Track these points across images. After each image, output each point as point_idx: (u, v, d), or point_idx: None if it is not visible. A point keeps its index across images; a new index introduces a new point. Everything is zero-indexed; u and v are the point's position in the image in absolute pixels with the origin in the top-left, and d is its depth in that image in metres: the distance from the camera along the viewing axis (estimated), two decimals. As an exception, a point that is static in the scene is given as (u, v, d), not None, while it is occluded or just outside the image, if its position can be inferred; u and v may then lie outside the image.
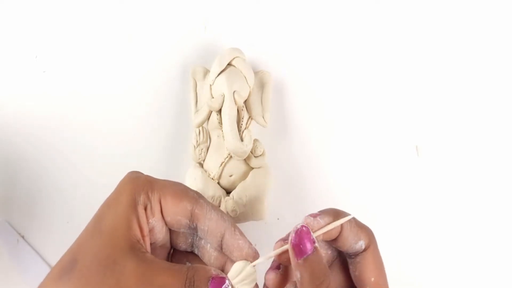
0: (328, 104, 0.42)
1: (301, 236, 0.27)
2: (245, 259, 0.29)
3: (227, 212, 0.37)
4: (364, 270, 0.29)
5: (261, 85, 0.40)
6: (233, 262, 0.29)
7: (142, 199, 0.28)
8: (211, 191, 0.38)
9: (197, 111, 0.40)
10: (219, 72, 0.38)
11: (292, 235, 0.27)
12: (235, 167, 0.38)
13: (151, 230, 0.29)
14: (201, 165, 0.39)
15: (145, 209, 0.28)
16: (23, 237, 0.41)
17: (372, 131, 0.41)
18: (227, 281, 0.27)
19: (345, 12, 0.42)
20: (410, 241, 0.40)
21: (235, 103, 0.37)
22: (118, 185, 0.29)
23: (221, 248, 0.29)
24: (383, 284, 0.29)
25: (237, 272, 0.28)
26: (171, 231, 0.31)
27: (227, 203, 0.37)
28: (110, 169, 0.41)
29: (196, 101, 0.40)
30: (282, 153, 0.41)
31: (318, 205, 0.40)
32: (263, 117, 0.39)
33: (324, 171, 0.41)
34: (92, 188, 0.41)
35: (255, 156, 0.39)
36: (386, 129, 0.41)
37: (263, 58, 0.42)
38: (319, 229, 0.28)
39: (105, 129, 0.41)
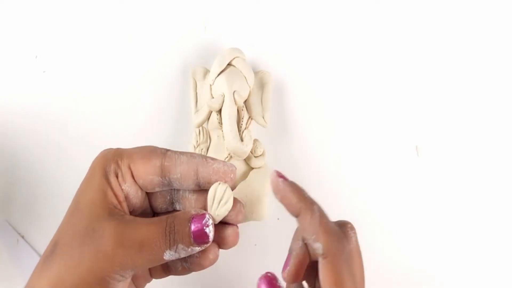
0: (328, 104, 0.42)
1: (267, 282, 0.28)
2: (223, 180, 0.28)
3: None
4: (322, 281, 0.27)
5: (261, 85, 0.40)
6: None
7: (112, 168, 0.28)
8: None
9: (197, 111, 0.40)
10: (219, 72, 0.38)
11: (258, 282, 0.28)
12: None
13: (126, 197, 0.28)
14: None
15: (117, 177, 0.28)
16: (23, 237, 0.41)
17: (372, 131, 0.41)
18: (207, 215, 0.27)
19: (345, 12, 0.42)
20: (410, 241, 0.40)
21: (235, 103, 0.37)
22: (91, 164, 0.29)
23: (199, 186, 0.29)
24: None
25: (212, 194, 0.28)
26: (148, 195, 0.30)
27: None
28: (110, 169, 0.41)
29: (196, 101, 0.40)
30: (282, 153, 0.41)
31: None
32: (263, 117, 0.39)
33: (324, 171, 0.41)
34: (92, 188, 0.41)
35: (255, 156, 0.39)
36: (386, 129, 0.41)
37: (263, 58, 0.42)
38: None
39: (105, 129, 0.41)
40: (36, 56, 0.43)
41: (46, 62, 0.43)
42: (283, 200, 0.28)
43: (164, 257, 0.26)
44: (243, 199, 0.37)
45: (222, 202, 0.28)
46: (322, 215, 0.28)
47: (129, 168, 0.28)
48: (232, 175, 0.29)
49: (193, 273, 0.30)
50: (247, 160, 0.39)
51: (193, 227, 0.27)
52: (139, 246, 0.26)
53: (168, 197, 0.30)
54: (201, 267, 0.29)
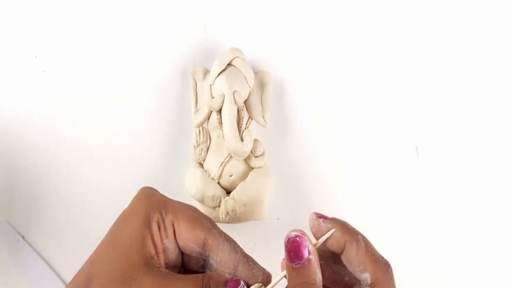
0: (328, 104, 0.41)
1: (295, 244, 0.27)
2: (261, 283, 0.28)
3: (227, 212, 0.37)
4: None
5: (261, 85, 0.40)
6: None
7: (156, 217, 0.28)
8: (211, 191, 0.38)
9: (197, 111, 0.40)
10: (219, 72, 0.38)
11: (287, 240, 0.27)
12: (235, 167, 0.38)
13: (164, 250, 0.29)
14: (201, 165, 0.39)
15: (159, 228, 0.28)
16: (23, 237, 0.41)
17: (372, 131, 0.41)
18: (242, 282, 0.27)
19: (345, 12, 0.42)
20: (410, 241, 0.40)
21: (235, 103, 0.37)
22: (132, 201, 0.29)
23: (234, 276, 0.29)
24: None
25: None
26: (183, 253, 0.30)
27: (227, 203, 0.37)
28: (110, 169, 0.41)
29: (196, 101, 0.40)
30: (282, 153, 0.41)
31: (318, 205, 0.40)
32: (263, 117, 0.39)
33: (324, 171, 0.41)
34: (92, 188, 0.41)
35: (255, 156, 0.39)
36: (386, 129, 0.41)
37: (263, 58, 0.42)
38: (321, 237, 0.27)
39: (105, 129, 0.41)
40: (36, 56, 0.43)
41: (46, 62, 0.43)
42: (326, 240, 0.28)
43: None
44: (243, 199, 0.38)
45: None
46: (368, 244, 0.28)
47: (173, 225, 0.29)
48: (268, 284, 0.29)
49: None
50: (247, 160, 0.39)
51: None
52: None
53: (202, 263, 0.31)
54: None
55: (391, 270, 0.28)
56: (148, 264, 0.27)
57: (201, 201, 0.38)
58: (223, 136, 0.37)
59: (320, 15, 0.42)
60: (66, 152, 0.41)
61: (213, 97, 0.38)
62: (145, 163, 0.41)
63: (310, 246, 0.27)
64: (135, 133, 0.41)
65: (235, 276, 0.28)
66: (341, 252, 0.28)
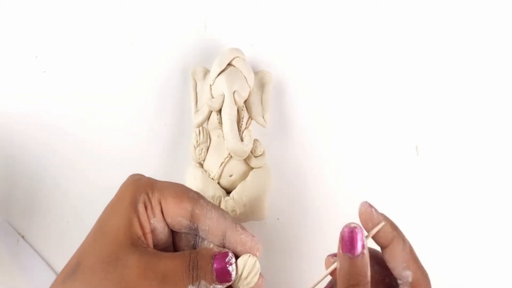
0: (328, 104, 0.41)
1: (352, 235, 0.27)
2: (249, 253, 0.29)
3: (227, 213, 0.38)
4: None
5: (261, 85, 0.40)
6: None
7: (142, 198, 0.28)
8: (211, 191, 0.38)
9: (197, 111, 0.40)
10: (219, 72, 0.38)
11: (345, 229, 0.27)
12: (235, 167, 0.38)
13: (153, 231, 0.29)
14: (201, 165, 0.39)
15: (146, 209, 0.28)
16: (23, 237, 0.41)
17: (372, 131, 0.41)
18: (230, 254, 0.27)
19: (345, 12, 0.42)
20: (409, 241, 0.40)
21: (235, 103, 0.37)
22: (120, 188, 0.29)
23: (224, 246, 0.29)
24: None
25: (241, 265, 0.28)
26: (173, 234, 0.31)
27: (227, 203, 0.37)
28: (110, 168, 0.41)
29: (196, 101, 0.40)
30: (282, 153, 0.41)
31: (318, 205, 0.41)
32: (263, 117, 0.39)
33: (324, 171, 0.41)
34: (92, 188, 0.41)
35: (255, 156, 0.39)
36: (386, 129, 0.41)
37: (263, 58, 0.42)
38: (373, 227, 0.28)
39: (105, 129, 0.41)
40: (36, 56, 0.43)
41: (46, 62, 0.43)
42: (374, 237, 0.28)
43: None
44: (243, 199, 0.38)
45: (252, 274, 0.28)
46: (411, 246, 0.29)
47: (160, 203, 0.29)
48: (257, 252, 0.29)
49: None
50: (247, 160, 0.39)
51: (216, 265, 0.27)
52: (162, 278, 0.26)
53: (192, 242, 0.31)
54: None
55: (429, 279, 0.28)
56: (135, 244, 0.27)
57: None
58: (223, 136, 0.37)
59: (320, 15, 0.42)
60: (66, 152, 0.41)
61: (213, 97, 0.38)
62: (145, 162, 0.41)
63: (365, 240, 0.27)
64: (135, 133, 0.41)
65: (223, 248, 0.28)
66: (386, 246, 0.28)
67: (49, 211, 0.41)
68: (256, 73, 0.40)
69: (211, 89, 0.38)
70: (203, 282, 0.27)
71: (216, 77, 0.38)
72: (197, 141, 0.39)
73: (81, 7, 0.43)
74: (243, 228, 0.29)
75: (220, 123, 0.38)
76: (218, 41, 0.42)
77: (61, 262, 0.41)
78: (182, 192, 0.29)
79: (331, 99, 0.42)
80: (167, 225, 0.29)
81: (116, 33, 0.43)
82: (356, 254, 0.27)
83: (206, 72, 0.40)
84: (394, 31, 0.42)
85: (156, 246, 0.30)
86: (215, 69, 0.38)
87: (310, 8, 0.43)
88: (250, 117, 0.39)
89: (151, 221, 0.28)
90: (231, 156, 0.38)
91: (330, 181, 0.41)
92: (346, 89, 0.42)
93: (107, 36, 0.43)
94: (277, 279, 0.39)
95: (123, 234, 0.27)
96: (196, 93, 0.40)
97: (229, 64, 0.38)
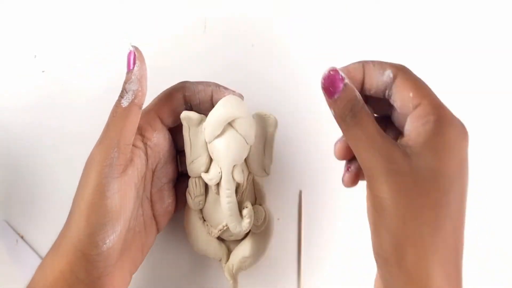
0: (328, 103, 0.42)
1: (330, 78, 0.28)
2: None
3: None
4: (400, 91, 0.28)
5: (264, 131, 0.35)
6: None
7: (129, 134, 0.33)
8: (211, 252, 0.37)
9: (192, 162, 0.35)
10: (215, 136, 0.33)
11: (322, 80, 0.28)
12: None
13: (156, 145, 0.34)
14: (201, 211, 0.37)
15: (141, 134, 0.34)
16: (22, 237, 0.41)
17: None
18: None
19: (345, 12, 0.42)
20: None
21: (234, 180, 0.34)
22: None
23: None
24: (427, 93, 0.28)
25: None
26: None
27: (227, 268, 0.37)
28: (110, 169, 0.41)
29: (191, 148, 0.35)
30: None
31: (318, 205, 0.41)
32: (264, 170, 0.36)
33: (324, 171, 0.41)
34: (92, 188, 0.41)
35: (256, 225, 0.36)
36: (385, 129, 0.41)
37: (263, 58, 0.42)
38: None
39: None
40: (35, 56, 0.43)
41: (45, 62, 0.42)
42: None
43: None
44: (242, 262, 0.37)
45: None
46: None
47: (158, 115, 0.33)
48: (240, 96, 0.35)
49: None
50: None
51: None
52: None
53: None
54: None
55: (407, 67, 0.29)
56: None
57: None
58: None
59: (320, 15, 0.43)
60: (66, 152, 0.41)
61: (212, 153, 0.34)
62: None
63: (342, 74, 0.28)
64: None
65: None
66: (364, 76, 0.29)
67: (49, 211, 0.41)
68: (258, 116, 0.35)
69: (207, 147, 0.35)
70: None
71: (213, 140, 0.34)
72: (193, 193, 0.36)
73: (80, 7, 0.43)
74: (226, 88, 0.34)
75: (218, 193, 0.35)
76: (218, 41, 0.42)
77: (61, 262, 0.41)
78: (170, 91, 0.34)
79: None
80: (168, 131, 0.35)
81: (115, 33, 0.43)
82: (340, 91, 0.27)
83: (200, 120, 0.34)
84: (394, 32, 0.42)
85: (162, 157, 0.34)
86: (211, 131, 0.33)
87: (310, 8, 0.43)
88: (250, 173, 0.36)
89: (154, 135, 0.33)
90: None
91: (330, 181, 0.41)
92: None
93: (107, 36, 0.43)
94: (277, 279, 0.39)
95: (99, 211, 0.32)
96: (190, 139, 0.35)
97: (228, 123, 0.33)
